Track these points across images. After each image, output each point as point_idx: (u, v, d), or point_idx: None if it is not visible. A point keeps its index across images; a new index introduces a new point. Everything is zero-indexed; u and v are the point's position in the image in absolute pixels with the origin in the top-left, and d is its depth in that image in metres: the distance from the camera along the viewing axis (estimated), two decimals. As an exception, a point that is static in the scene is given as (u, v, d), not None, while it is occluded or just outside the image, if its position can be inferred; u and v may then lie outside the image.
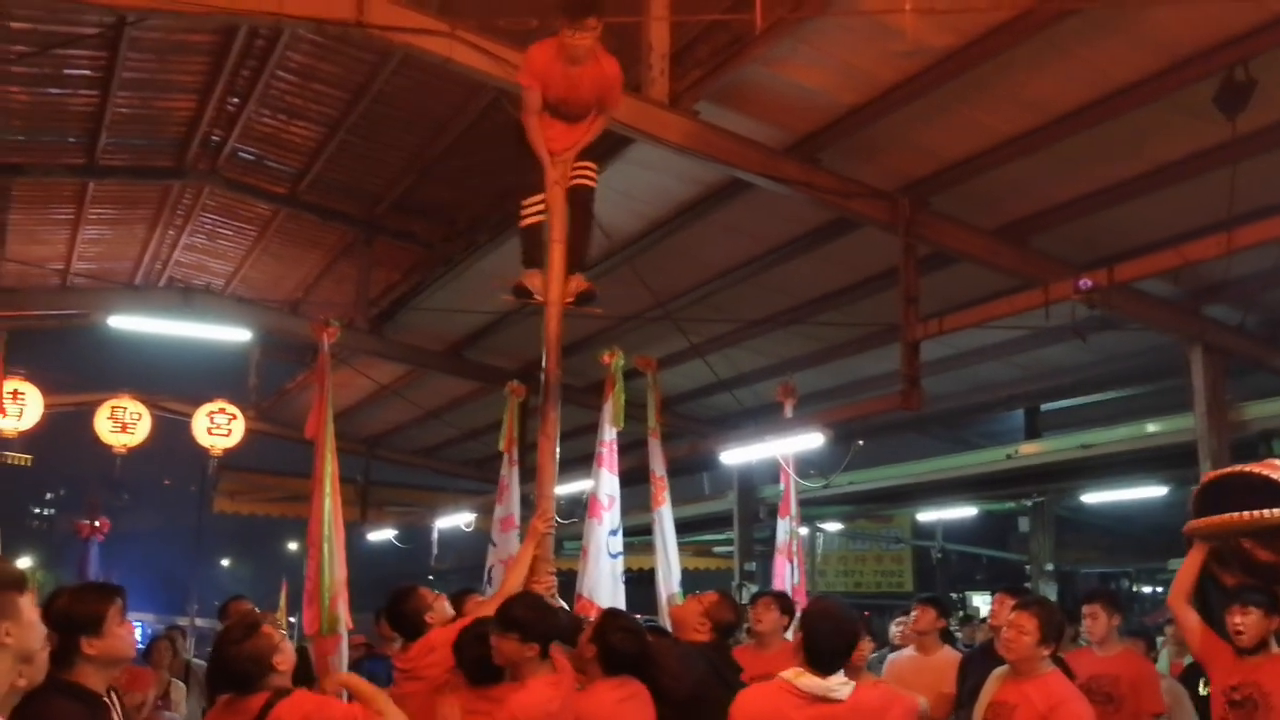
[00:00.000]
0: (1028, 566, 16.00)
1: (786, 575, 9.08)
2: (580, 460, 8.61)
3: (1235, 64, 6.70)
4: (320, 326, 6.93)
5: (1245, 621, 4.73)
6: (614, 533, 6.96)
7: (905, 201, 8.54)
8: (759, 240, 10.09)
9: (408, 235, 12.80)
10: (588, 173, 5.77)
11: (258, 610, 7.61)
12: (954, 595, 19.04)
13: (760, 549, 14.99)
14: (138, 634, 8.48)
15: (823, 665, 3.79)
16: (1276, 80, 6.72)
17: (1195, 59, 6.79)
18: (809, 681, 3.76)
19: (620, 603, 6.57)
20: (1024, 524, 16.97)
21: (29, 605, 2.51)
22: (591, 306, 5.89)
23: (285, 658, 3.80)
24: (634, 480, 8.19)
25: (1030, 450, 12.42)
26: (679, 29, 7.85)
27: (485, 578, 8.94)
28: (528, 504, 10.57)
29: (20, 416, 12.15)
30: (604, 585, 6.75)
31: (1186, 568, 4.97)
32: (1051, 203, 8.76)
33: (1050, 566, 15.05)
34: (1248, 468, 4.75)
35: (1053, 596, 13.36)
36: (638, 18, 7.45)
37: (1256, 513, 4.56)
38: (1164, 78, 6.99)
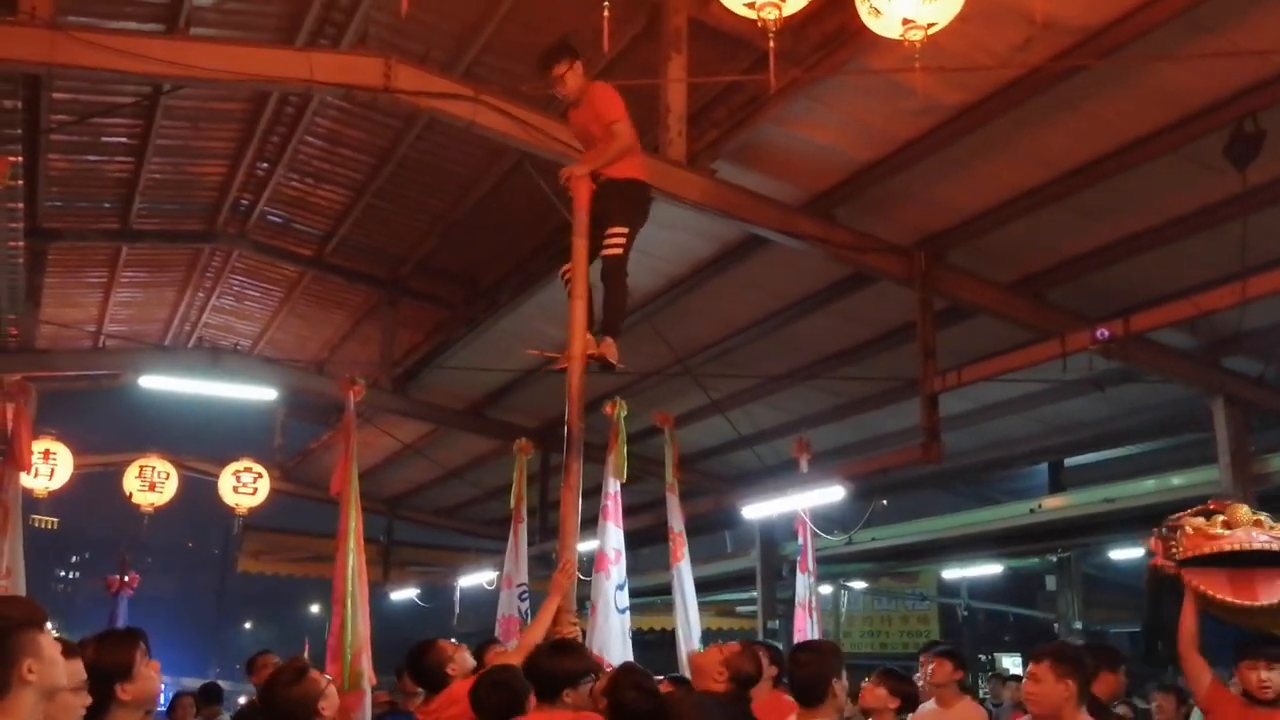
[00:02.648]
0: (1055, 625, 15.83)
1: (807, 629, 9.07)
2: (597, 517, 8.67)
3: (1244, 116, 6.81)
4: (346, 384, 7.05)
5: (1271, 678, 4.61)
6: (621, 587, 6.86)
7: (921, 256, 8.65)
8: (777, 296, 10.20)
9: (431, 296, 13.01)
10: (615, 239, 5.91)
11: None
12: (981, 657, 18.82)
13: (783, 608, 14.91)
14: (162, 698, 8.54)
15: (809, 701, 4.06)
16: (1286, 132, 6.83)
17: (1204, 112, 6.92)
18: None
19: (629, 658, 6.46)
20: (1051, 582, 16.80)
21: (50, 642, 2.55)
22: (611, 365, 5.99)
23: (330, 704, 3.93)
24: (655, 538, 8.20)
25: (1054, 504, 12.34)
26: (696, 91, 8.04)
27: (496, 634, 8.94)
28: (540, 562, 10.64)
29: (51, 476, 12.30)
30: (614, 641, 6.64)
31: (1187, 614, 4.91)
32: (1066, 256, 8.84)
33: (1078, 625, 14.90)
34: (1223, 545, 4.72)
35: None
36: (655, 80, 7.64)
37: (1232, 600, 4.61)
38: (1174, 131, 7.11)
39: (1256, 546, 4.61)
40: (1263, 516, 4.67)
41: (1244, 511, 4.70)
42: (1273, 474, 9.64)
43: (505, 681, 4.38)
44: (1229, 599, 4.66)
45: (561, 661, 4.35)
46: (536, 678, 4.32)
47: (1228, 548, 4.67)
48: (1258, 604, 4.60)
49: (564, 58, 6.02)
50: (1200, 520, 4.86)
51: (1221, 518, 4.81)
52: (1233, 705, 4.70)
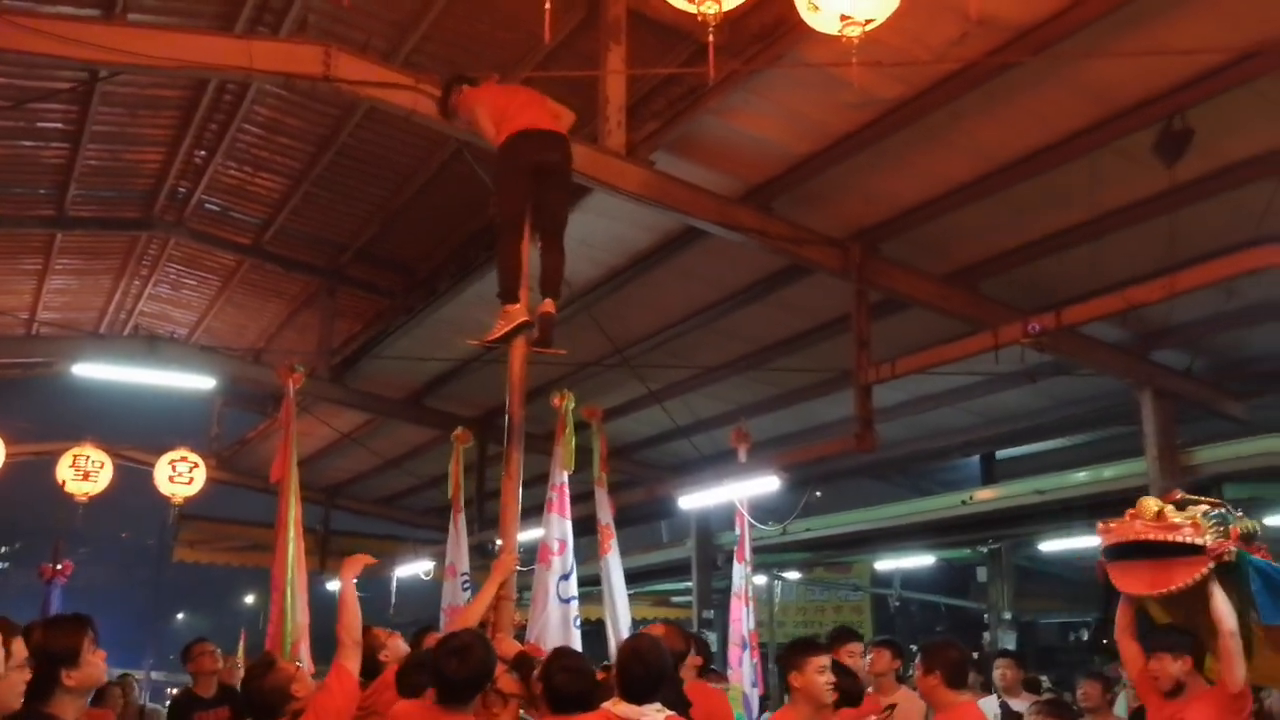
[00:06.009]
0: (986, 615, 16.06)
1: (743, 619, 9.14)
2: (539, 508, 8.67)
3: (1173, 114, 6.97)
4: (286, 371, 7.05)
5: (1158, 668, 4.83)
6: (565, 577, 6.85)
7: (856, 248, 8.75)
8: (715, 287, 10.26)
9: (370, 285, 12.93)
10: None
11: (218, 651, 7.63)
12: (914, 647, 19.04)
13: (718, 598, 14.99)
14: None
15: (635, 696, 4.13)
16: (1213, 129, 7.01)
17: (1135, 108, 7.07)
18: (625, 709, 4.10)
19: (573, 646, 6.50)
20: (983, 573, 17.05)
21: None
22: (552, 351, 6.00)
23: (302, 685, 4.34)
24: (589, 530, 8.24)
25: (985, 495, 12.53)
26: (635, 82, 8.05)
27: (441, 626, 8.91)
28: (477, 552, 10.59)
29: (-18, 464, 12.07)
30: (552, 630, 6.63)
31: (1123, 606, 5.05)
32: (1000, 249, 8.99)
33: (1009, 615, 15.11)
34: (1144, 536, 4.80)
35: (1011, 646, 13.46)
36: (595, 72, 7.65)
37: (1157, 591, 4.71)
38: (1105, 126, 7.26)
39: (1130, 539, 4.70)
40: (1168, 507, 4.72)
41: (1149, 504, 4.77)
42: (1198, 466, 9.81)
43: (425, 664, 4.43)
44: (1134, 591, 4.79)
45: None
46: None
47: (1109, 541, 4.79)
48: (1164, 591, 4.69)
49: (454, 89, 6.65)
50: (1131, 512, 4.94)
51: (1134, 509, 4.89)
52: (1156, 691, 4.86)
